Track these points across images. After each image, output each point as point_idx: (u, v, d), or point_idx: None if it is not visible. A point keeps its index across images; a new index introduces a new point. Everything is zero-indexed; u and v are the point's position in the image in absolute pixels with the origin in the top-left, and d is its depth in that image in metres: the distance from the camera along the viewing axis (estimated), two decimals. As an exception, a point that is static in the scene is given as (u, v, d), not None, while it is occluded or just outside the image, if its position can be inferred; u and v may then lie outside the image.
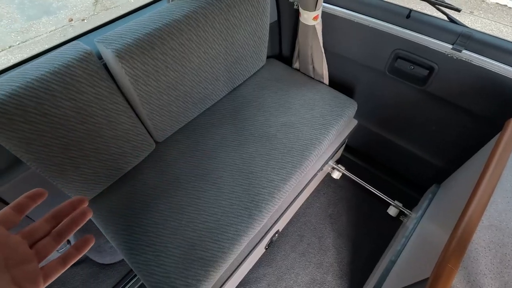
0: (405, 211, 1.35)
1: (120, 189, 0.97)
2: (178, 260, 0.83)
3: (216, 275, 0.84)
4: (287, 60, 1.47)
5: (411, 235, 1.00)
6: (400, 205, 1.36)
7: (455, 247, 0.56)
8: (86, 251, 0.33)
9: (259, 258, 1.30)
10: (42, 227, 0.31)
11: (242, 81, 1.27)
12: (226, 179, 0.98)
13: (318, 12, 1.05)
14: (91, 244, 0.33)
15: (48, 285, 0.30)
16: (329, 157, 1.22)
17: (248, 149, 1.06)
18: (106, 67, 0.85)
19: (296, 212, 1.44)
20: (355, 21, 1.09)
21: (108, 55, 0.77)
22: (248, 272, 1.26)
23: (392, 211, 1.38)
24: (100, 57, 0.85)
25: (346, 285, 1.23)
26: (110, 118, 0.84)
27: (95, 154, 0.86)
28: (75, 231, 0.33)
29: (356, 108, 1.25)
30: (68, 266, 0.32)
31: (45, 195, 0.32)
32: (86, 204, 0.34)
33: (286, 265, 1.28)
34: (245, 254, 0.98)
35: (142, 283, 1.22)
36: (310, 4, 1.02)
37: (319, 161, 1.18)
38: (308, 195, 1.47)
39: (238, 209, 0.92)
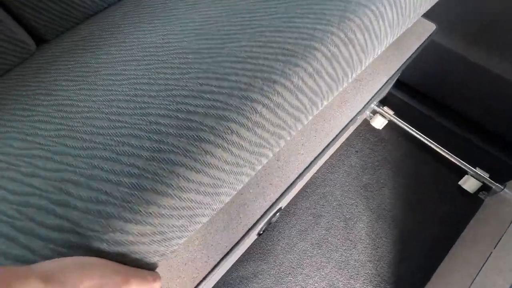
0: (493, 185, 0.82)
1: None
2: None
3: None
4: None
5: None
6: (486, 175, 0.83)
7: None
8: None
9: (249, 248, 0.84)
10: None
11: None
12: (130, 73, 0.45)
13: None
14: None
15: None
16: (377, 92, 0.67)
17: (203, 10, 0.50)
18: None
19: (312, 178, 0.93)
20: None
21: None
22: (230, 268, 0.82)
23: (468, 183, 0.86)
24: None
25: (384, 297, 0.77)
26: None
27: None
28: None
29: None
30: None
31: None
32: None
33: (290, 260, 0.82)
34: (224, 251, 0.50)
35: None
36: None
37: (359, 93, 0.63)
38: (332, 152, 0.95)
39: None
